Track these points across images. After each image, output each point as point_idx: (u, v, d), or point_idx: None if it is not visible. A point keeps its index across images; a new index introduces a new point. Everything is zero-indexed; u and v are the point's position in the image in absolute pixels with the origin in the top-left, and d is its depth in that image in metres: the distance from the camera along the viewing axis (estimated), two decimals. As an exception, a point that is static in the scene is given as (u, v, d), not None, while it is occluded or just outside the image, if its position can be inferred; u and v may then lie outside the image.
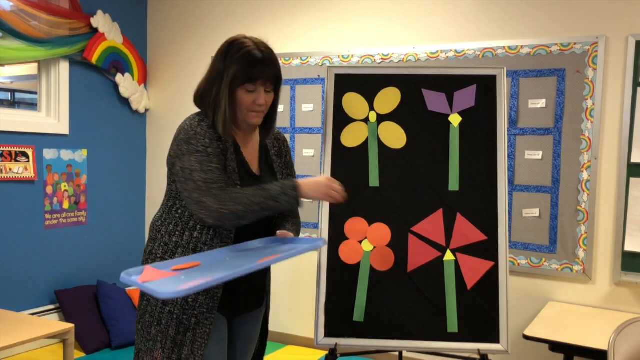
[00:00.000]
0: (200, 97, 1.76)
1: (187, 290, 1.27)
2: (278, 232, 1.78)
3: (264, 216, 1.67)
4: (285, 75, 3.80)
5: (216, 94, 1.70)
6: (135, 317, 1.81)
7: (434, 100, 2.27)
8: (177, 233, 1.73)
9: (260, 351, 2.01)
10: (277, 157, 1.91)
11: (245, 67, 1.67)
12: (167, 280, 1.40)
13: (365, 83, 2.30)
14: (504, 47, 3.18)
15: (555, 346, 2.41)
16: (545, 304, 3.04)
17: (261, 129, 1.86)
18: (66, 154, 3.84)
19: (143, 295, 1.75)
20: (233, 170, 1.71)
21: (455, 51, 3.31)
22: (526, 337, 2.42)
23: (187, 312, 1.69)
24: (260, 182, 1.75)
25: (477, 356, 2.13)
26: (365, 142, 2.27)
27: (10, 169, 3.49)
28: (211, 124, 1.71)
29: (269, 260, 1.50)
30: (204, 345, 1.70)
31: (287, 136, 3.79)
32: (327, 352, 2.34)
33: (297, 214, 1.97)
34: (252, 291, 1.88)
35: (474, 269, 2.18)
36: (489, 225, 2.20)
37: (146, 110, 4.42)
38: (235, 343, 1.91)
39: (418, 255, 2.20)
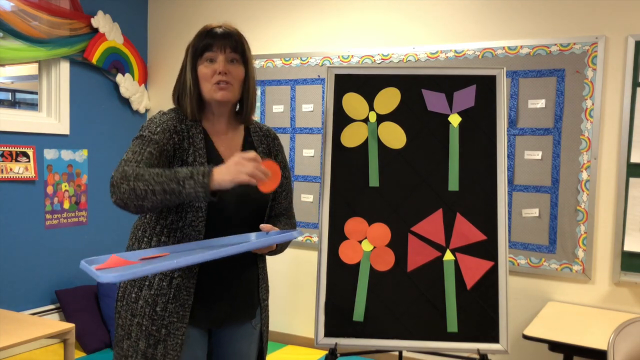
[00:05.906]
0: (174, 93, 1.71)
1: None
2: (262, 225, 1.61)
3: (168, 202, 1.44)
4: (285, 76, 3.83)
5: (183, 76, 1.67)
6: None
7: (434, 101, 2.27)
8: (145, 240, 1.64)
9: None
10: (265, 155, 1.77)
11: (201, 37, 1.64)
12: (123, 267, 1.31)
13: (365, 83, 2.30)
14: (504, 47, 3.18)
15: (554, 346, 2.41)
16: (544, 304, 3.04)
17: (240, 113, 1.74)
18: (67, 154, 3.85)
19: (116, 308, 1.68)
20: (201, 164, 1.61)
21: (455, 51, 3.31)
22: (526, 337, 2.43)
23: (156, 322, 1.59)
24: None
25: (477, 356, 2.13)
26: (365, 142, 2.27)
27: (10, 169, 3.50)
28: (182, 111, 1.66)
29: (228, 249, 1.37)
30: (177, 358, 1.59)
31: (287, 136, 3.80)
32: (327, 352, 2.35)
33: (291, 215, 1.86)
34: (234, 300, 1.70)
35: (474, 269, 2.18)
36: (488, 225, 2.20)
37: (147, 110, 4.42)
38: None
39: (418, 255, 2.20)
